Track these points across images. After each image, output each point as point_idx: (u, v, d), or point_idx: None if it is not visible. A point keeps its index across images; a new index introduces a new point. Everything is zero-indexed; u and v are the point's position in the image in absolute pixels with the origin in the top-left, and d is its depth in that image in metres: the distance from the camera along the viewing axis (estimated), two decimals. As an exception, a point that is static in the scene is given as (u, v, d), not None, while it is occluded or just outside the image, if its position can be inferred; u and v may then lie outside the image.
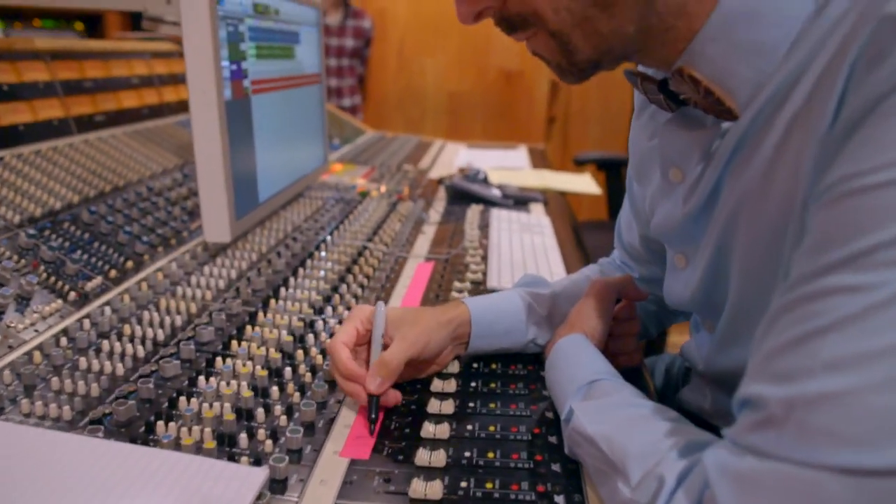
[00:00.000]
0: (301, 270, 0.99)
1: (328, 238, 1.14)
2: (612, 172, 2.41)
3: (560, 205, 1.61)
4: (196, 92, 0.92)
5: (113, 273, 0.91)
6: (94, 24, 3.21)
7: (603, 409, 0.53)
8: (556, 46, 0.52)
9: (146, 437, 0.59)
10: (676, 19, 0.49)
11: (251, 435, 0.60)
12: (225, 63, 0.95)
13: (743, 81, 0.48)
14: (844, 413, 0.33)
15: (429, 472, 0.56)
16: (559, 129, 3.62)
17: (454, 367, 0.74)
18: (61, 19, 3.26)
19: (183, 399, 0.64)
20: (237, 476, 0.52)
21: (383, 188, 1.53)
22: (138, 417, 0.62)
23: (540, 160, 2.23)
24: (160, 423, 0.60)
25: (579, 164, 2.51)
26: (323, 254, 1.06)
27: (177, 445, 0.57)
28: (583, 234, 1.74)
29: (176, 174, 1.29)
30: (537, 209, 1.49)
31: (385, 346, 0.68)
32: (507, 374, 0.73)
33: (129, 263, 0.95)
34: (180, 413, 0.62)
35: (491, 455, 0.58)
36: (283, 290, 0.91)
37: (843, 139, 0.38)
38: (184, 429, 0.59)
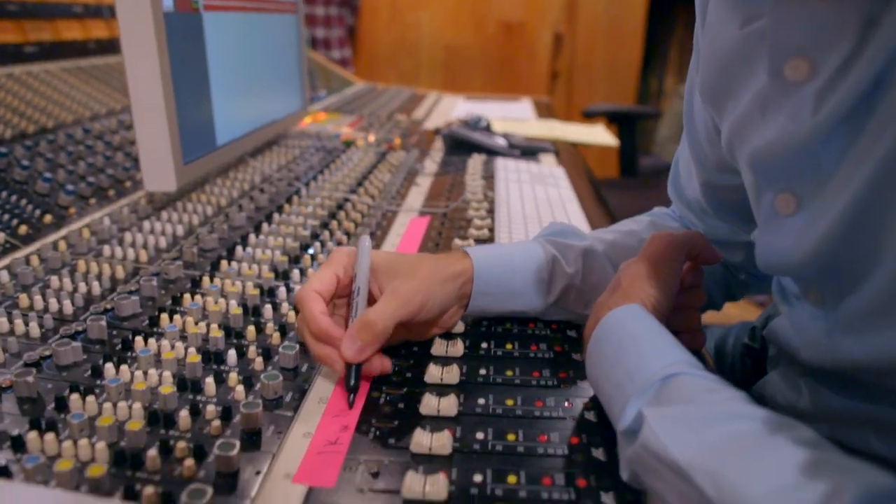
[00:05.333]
0: (266, 226, 0.80)
1: (303, 189, 0.95)
2: (625, 126, 2.21)
3: (573, 157, 1.41)
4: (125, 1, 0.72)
5: (23, 229, 0.72)
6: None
7: (693, 421, 0.34)
8: None
9: (13, 456, 0.40)
10: None
11: (166, 450, 0.41)
12: (162, -38, 0.74)
13: None
14: None
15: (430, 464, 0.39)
16: (563, 85, 3.39)
17: (458, 327, 0.58)
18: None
19: (76, 397, 0.45)
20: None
21: (371, 137, 1.34)
22: (11, 424, 0.43)
23: (546, 112, 2.03)
24: (32, 436, 0.41)
25: (589, 117, 2.31)
26: (295, 207, 0.87)
27: (48, 472, 0.39)
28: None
29: (124, 115, 1.09)
30: (548, 160, 1.30)
31: (372, 299, 0.52)
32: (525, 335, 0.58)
33: (48, 217, 0.75)
34: (67, 421, 0.43)
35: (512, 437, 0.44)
36: (239, 249, 0.72)
37: None
38: (67, 443, 0.41)
